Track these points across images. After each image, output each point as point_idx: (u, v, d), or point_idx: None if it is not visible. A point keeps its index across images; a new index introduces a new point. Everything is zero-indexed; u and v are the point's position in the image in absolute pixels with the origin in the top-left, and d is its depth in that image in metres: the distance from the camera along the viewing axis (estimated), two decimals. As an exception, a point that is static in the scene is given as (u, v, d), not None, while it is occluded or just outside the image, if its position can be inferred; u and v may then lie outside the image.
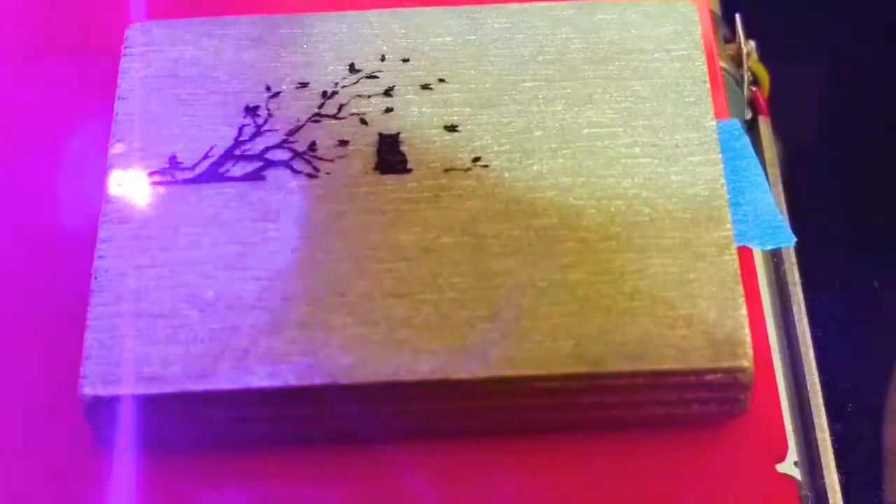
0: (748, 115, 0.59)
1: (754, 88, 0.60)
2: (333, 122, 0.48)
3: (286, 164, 0.47)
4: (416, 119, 0.48)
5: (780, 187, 0.56)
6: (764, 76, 0.60)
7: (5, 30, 0.55)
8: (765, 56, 0.61)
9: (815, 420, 0.49)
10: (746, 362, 0.43)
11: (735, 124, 0.50)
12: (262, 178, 0.47)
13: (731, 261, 0.45)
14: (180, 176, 0.47)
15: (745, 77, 0.59)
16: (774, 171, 0.57)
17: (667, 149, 0.47)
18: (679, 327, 0.43)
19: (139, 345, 0.43)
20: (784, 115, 0.62)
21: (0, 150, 0.51)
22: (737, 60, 0.59)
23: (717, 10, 0.62)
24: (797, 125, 0.66)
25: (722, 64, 0.57)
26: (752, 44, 0.60)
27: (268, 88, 0.49)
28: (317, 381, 0.43)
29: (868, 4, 0.74)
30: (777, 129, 0.60)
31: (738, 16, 0.60)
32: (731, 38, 0.61)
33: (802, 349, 0.51)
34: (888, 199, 0.69)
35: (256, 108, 0.48)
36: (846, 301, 0.66)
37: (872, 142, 0.71)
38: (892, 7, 0.73)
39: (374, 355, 0.43)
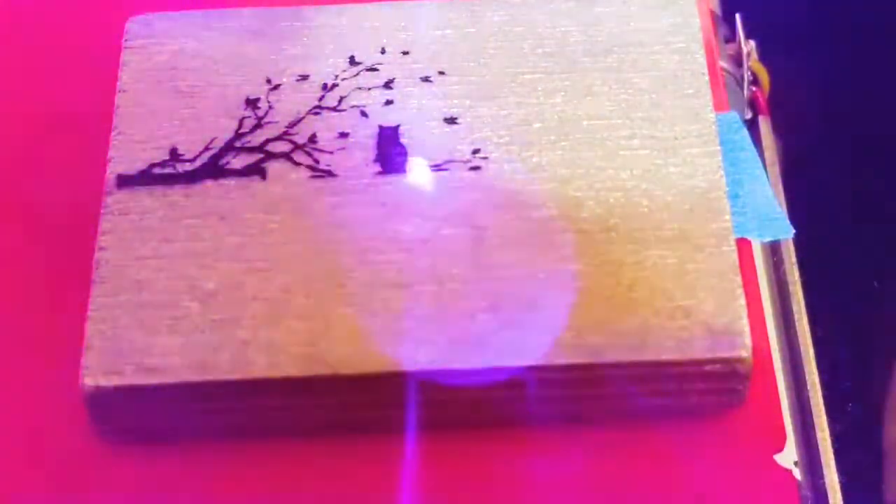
0: (748, 115, 0.59)
1: (754, 88, 0.60)
2: (334, 114, 0.48)
3: (287, 156, 0.47)
4: (416, 111, 0.48)
5: (780, 187, 0.56)
6: (764, 76, 0.60)
7: (5, 24, 0.55)
8: (765, 56, 0.61)
9: (815, 420, 0.49)
10: (745, 352, 0.43)
11: (734, 117, 0.50)
12: (263, 170, 0.47)
13: (730, 252, 0.45)
14: (181, 168, 0.47)
15: (746, 77, 0.59)
16: (774, 170, 0.57)
17: (666, 141, 0.47)
18: (678, 318, 0.43)
19: (140, 336, 0.44)
20: (784, 115, 0.62)
21: (1, 142, 0.52)
22: (737, 60, 0.60)
23: (717, 9, 0.62)
24: (797, 125, 0.66)
25: (722, 63, 0.57)
26: (752, 44, 0.60)
27: (268, 81, 0.49)
28: (317, 371, 0.43)
29: (868, 4, 0.74)
30: (777, 129, 0.60)
31: (738, 16, 0.60)
32: (731, 37, 0.61)
33: (802, 349, 0.51)
34: (888, 198, 0.69)
35: (257, 100, 0.48)
36: (846, 301, 0.65)
37: (872, 141, 0.71)
38: (892, 7, 0.73)
39: (373, 346, 0.43)
